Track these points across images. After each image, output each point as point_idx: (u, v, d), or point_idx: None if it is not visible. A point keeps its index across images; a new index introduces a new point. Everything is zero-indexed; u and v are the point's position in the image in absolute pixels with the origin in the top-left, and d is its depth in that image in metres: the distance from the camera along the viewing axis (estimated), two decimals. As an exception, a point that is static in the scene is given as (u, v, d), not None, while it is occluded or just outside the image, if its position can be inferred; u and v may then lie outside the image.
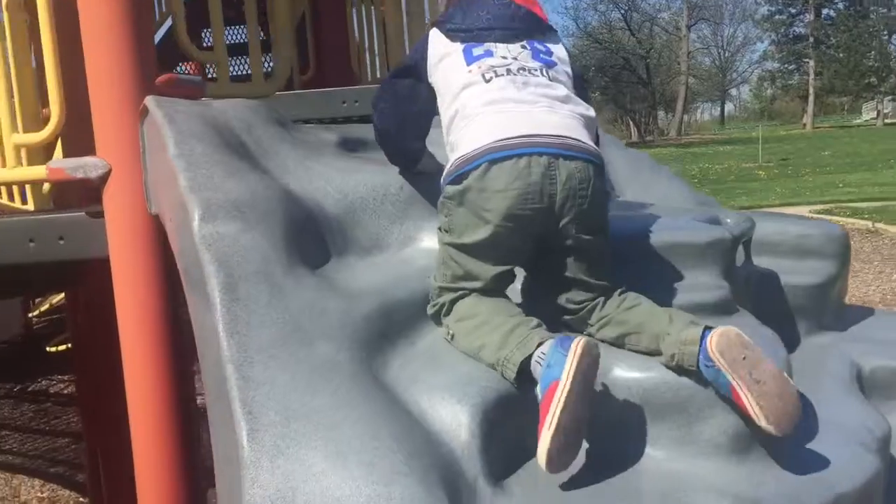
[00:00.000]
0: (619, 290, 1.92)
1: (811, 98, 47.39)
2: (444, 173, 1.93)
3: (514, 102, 1.89)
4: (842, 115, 59.64)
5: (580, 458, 1.69)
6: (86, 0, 2.19)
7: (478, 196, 1.80)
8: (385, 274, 1.97)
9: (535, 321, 1.79)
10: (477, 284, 1.85)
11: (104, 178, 2.22)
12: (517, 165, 1.78)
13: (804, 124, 47.93)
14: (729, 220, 2.47)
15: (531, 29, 2.05)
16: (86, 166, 2.22)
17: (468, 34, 2.01)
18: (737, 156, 26.29)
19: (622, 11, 52.13)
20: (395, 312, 1.81)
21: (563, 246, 1.86)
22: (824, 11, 48.09)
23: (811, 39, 47.08)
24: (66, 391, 6.54)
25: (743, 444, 1.72)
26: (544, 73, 1.98)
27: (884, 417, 2.15)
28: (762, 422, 1.63)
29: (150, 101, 2.06)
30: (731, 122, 73.40)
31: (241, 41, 5.08)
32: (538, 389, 1.62)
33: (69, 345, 5.14)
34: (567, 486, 1.62)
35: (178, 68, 4.93)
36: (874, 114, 46.01)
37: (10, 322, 7.36)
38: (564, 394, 1.54)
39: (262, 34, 4.65)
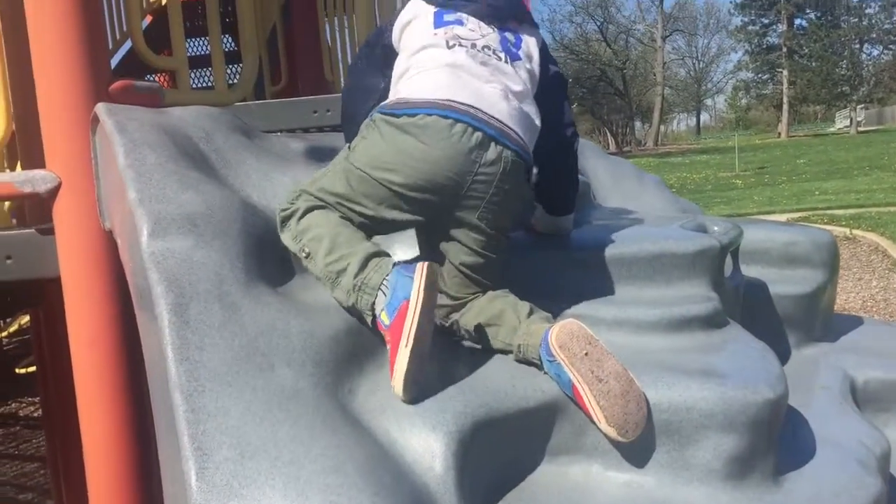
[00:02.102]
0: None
1: (785, 107, 47.79)
2: (382, 103, 1.85)
3: (468, 74, 1.82)
4: (815, 123, 60.31)
5: (563, 485, 1.57)
6: (34, 1, 2.06)
7: (401, 137, 1.72)
8: (354, 290, 1.84)
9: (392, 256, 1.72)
10: (342, 208, 1.75)
11: (54, 193, 2.08)
12: (451, 129, 1.71)
13: (779, 133, 48.34)
14: (716, 228, 2.38)
15: (509, 16, 1.99)
16: (34, 180, 2.07)
17: (446, 1, 1.96)
18: (714, 165, 26.40)
19: (598, 23, 52.64)
20: (364, 332, 1.66)
21: (462, 233, 1.78)
22: (797, 21, 48.61)
23: (784, 49, 47.50)
24: (35, 414, 6.34)
25: (738, 469, 1.60)
26: (507, 61, 1.91)
27: (882, 434, 2.05)
28: (602, 424, 1.55)
29: (100, 108, 1.92)
30: (707, 131, 74.09)
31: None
32: (384, 316, 1.56)
33: (37, 366, 4.97)
34: (552, 517, 1.49)
35: (148, 78, 4.80)
36: (847, 122, 46.44)
37: (-23, 344, 7.14)
38: (418, 310, 1.48)
39: (235, 45, 4.57)
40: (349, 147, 1.84)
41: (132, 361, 2.09)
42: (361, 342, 1.61)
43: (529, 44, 2.00)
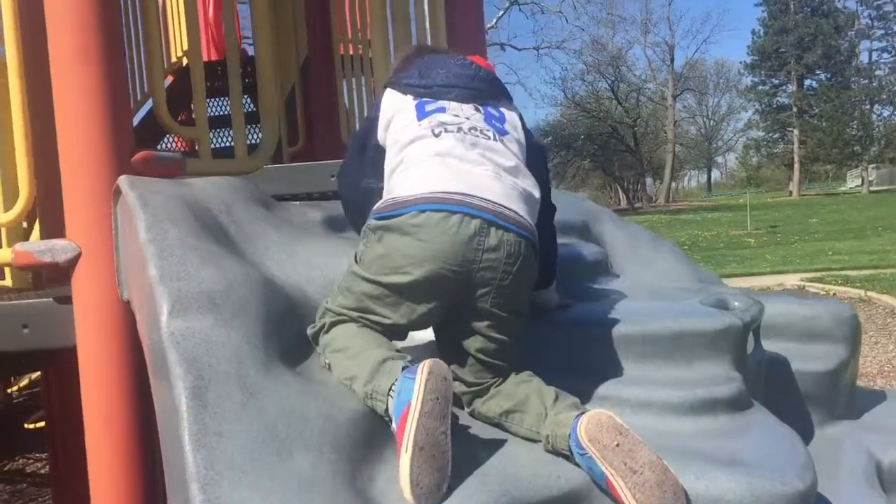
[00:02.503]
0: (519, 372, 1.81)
1: (796, 166, 47.87)
2: (375, 207, 1.84)
3: (457, 160, 1.81)
4: (827, 182, 60.38)
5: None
6: (60, 70, 2.08)
7: (399, 239, 1.71)
8: (373, 368, 1.81)
9: (408, 357, 1.68)
10: (362, 320, 1.76)
11: (73, 262, 2.08)
12: (447, 222, 1.69)
13: (790, 192, 48.38)
14: (737, 304, 2.34)
15: (488, 93, 2.01)
16: (54, 249, 2.08)
17: (425, 90, 1.97)
18: (725, 223, 26.36)
19: (609, 82, 53.07)
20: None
21: (475, 319, 1.75)
22: (806, 82, 49.01)
23: (795, 109, 47.83)
24: (42, 471, 6.27)
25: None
26: (496, 138, 1.91)
27: (910, 521, 2.00)
28: None
29: (123, 181, 1.94)
30: (718, 188, 74.20)
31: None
32: (392, 421, 1.52)
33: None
34: None
35: (165, 142, 4.84)
36: (859, 181, 46.50)
37: (-13, 397, 7.09)
38: (417, 412, 1.44)
39: (253, 106, 4.61)
40: (355, 258, 1.83)
41: (145, 430, 2.06)
42: (381, 426, 1.58)
43: (512, 116, 2.02)
